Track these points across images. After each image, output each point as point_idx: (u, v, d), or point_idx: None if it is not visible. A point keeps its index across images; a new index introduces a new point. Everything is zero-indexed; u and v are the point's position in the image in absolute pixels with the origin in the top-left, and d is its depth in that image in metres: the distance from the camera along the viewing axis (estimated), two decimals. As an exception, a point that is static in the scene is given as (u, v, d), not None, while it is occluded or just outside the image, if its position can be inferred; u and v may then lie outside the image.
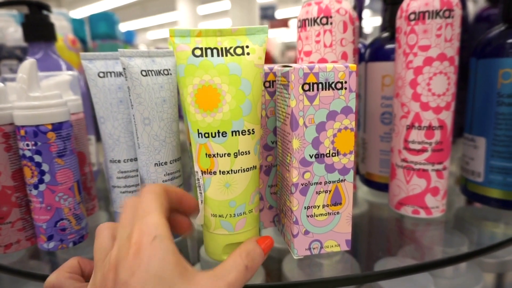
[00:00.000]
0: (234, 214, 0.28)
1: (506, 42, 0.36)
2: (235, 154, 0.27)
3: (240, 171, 0.27)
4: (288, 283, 0.35)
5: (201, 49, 0.26)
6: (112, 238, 0.24)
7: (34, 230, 0.34)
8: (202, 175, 0.27)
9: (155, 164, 0.31)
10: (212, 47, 0.26)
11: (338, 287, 0.33)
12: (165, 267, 0.21)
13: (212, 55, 0.26)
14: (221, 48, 0.27)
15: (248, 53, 0.27)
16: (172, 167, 0.32)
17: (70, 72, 0.42)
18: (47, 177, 0.32)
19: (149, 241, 0.21)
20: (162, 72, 0.30)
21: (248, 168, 0.27)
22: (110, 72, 0.31)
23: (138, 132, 0.30)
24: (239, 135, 0.27)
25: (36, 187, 0.32)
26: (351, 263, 0.40)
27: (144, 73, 0.29)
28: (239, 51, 0.27)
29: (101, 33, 0.73)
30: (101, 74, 0.31)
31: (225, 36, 0.27)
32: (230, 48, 0.27)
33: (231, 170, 0.27)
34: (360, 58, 0.47)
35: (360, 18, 0.54)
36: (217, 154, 0.27)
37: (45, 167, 0.32)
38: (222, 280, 0.22)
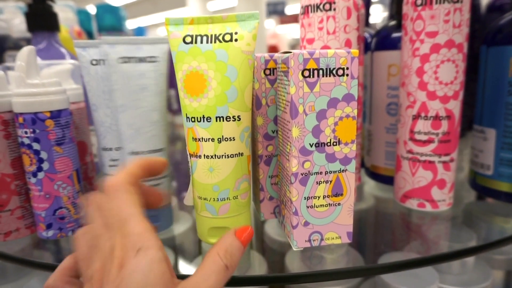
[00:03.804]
0: (218, 199, 0.28)
1: (518, 29, 0.34)
2: (219, 139, 0.27)
3: (224, 156, 0.28)
4: (289, 274, 0.34)
5: (191, 36, 0.27)
6: (90, 247, 0.23)
7: (34, 218, 0.34)
8: (190, 157, 0.28)
9: (130, 152, 0.31)
10: (203, 34, 0.27)
11: (340, 279, 0.32)
12: (149, 280, 0.20)
13: (202, 42, 0.27)
14: (211, 35, 0.27)
15: (236, 40, 0.27)
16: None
17: (72, 61, 0.42)
18: (45, 165, 0.32)
19: (133, 255, 0.21)
20: (145, 59, 0.29)
21: (232, 155, 0.28)
22: (103, 60, 0.31)
23: (117, 119, 0.30)
24: (223, 121, 0.27)
25: (34, 175, 0.32)
26: (356, 257, 0.40)
27: (121, 60, 0.29)
28: (227, 37, 0.27)
29: (107, 25, 0.73)
30: (94, 62, 0.31)
31: (216, 24, 0.27)
32: (220, 35, 0.27)
33: (215, 155, 0.27)
34: (367, 47, 0.46)
35: (368, 6, 0.52)
36: (202, 138, 0.27)
37: (43, 155, 0.32)
38: (204, 286, 0.22)
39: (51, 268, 0.31)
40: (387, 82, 0.41)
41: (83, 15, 0.80)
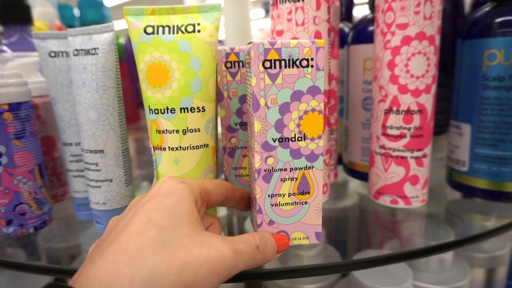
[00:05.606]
0: None
1: (492, 21, 0.33)
2: (184, 131, 0.27)
3: (189, 148, 0.27)
4: (263, 271, 0.33)
5: (153, 27, 0.26)
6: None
7: (-5, 215, 0.33)
8: (154, 151, 0.28)
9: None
10: (164, 25, 0.27)
11: (313, 275, 0.31)
12: (178, 207, 0.21)
13: (164, 33, 0.26)
14: (173, 26, 0.27)
15: (199, 31, 0.27)
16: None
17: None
18: (4, 159, 0.31)
19: (174, 182, 0.22)
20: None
21: (198, 146, 0.27)
22: (62, 52, 0.30)
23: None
24: (187, 112, 0.27)
25: (-7, 170, 0.31)
26: (332, 254, 0.39)
27: (53, 54, 0.29)
28: (190, 28, 0.26)
29: (90, 20, 0.72)
30: (52, 54, 0.30)
31: (177, 14, 0.27)
32: (182, 25, 0.26)
33: (180, 147, 0.27)
34: (345, 41, 0.45)
35: (351, 1, 0.51)
36: (166, 130, 0.27)
37: (1, 148, 0.31)
38: (230, 245, 0.22)
39: (18, 267, 0.30)
40: (363, 77, 0.40)
41: (67, 10, 0.79)
